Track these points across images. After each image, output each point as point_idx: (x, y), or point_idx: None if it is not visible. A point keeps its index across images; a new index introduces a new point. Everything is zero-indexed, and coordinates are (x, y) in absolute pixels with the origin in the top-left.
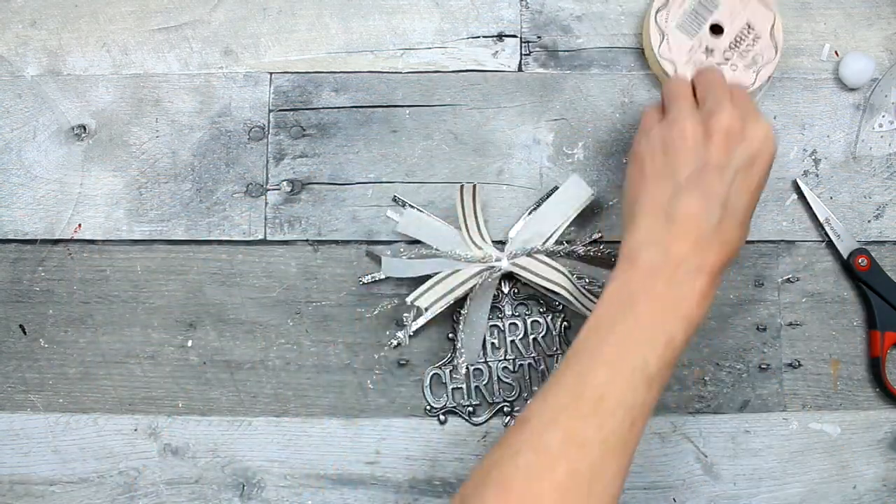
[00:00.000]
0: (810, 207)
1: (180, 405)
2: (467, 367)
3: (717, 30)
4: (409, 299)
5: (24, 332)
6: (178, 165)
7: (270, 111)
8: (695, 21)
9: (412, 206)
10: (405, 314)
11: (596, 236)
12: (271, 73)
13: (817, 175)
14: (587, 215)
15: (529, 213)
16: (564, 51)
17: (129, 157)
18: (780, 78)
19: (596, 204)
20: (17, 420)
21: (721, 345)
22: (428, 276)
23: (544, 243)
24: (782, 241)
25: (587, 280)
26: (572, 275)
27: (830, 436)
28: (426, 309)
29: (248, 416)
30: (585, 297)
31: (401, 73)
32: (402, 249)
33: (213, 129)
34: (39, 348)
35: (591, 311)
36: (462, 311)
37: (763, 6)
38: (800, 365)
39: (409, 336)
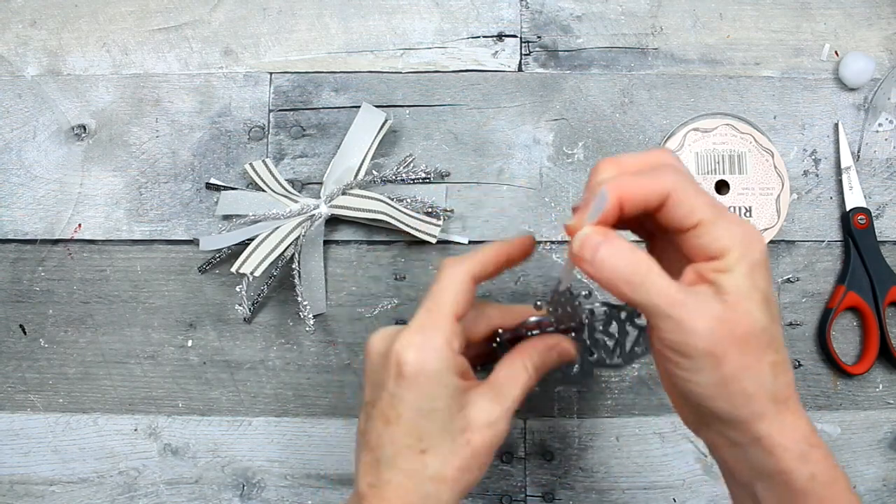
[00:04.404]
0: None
1: (180, 405)
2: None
3: (722, 186)
4: (233, 269)
5: (24, 332)
6: (178, 165)
7: (270, 111)
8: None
9: (226, 187)
10: (237, 287)
11: (408, 158)
12: (271, 73)
13: (817, 175)
14: (391, 140)
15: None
16: (564, 51)
17: (129, 157)
18: (781, 78)
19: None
20: (17, 420)
21: None
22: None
23: (355, 177)
24: (782, 241)
25: (408, 200)
26: (391, 199)
27: (830, 436)
28: (251, 274)
29: (248, 416)
30: (409, 216)
31: (401, 73)
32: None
33: (213, 129)
34: (39, 348)
35: (416, 228)
36: (294, 266)
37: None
38: (800, 365)
39: (250, 310)
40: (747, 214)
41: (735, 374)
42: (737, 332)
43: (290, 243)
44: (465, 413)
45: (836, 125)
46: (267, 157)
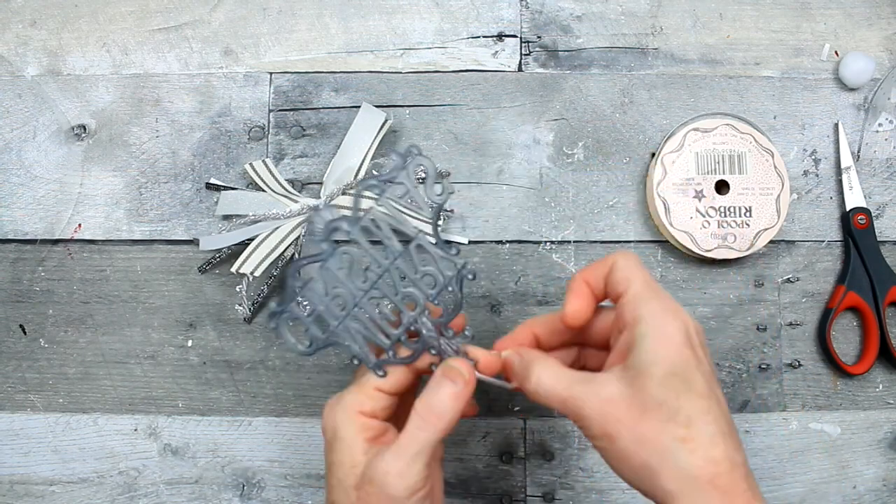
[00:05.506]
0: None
1: (180, 405)
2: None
3: (722, 186)
4: (233, 269)
5: (24, 332)
6: (178, 165)
7: (270, 111)
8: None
9: (226, 187)
10: (237, 287)
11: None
12: (271, 73)
13: (817, 175)
14: (391, 140)
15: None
16: (564, 51)
17: (129, 157)
18: (781, 78)
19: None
20: (17, 420)
21: (721, 345)
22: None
23: (355, 177)
24: (782, 241)
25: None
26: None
27: (830, 436)
28: (251, 274)
29: (248, 416)
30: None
31: (401, 73)
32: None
33: (213, 129)
34: (39, 348)
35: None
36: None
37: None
38: (800, 365)
39: (250, 310)
40: (747, 214)
41: (633, 447)
42: (632, 407)
43: (290, 243)
44: (366, 471)
45: (836, 125)
46: (267, 157)
